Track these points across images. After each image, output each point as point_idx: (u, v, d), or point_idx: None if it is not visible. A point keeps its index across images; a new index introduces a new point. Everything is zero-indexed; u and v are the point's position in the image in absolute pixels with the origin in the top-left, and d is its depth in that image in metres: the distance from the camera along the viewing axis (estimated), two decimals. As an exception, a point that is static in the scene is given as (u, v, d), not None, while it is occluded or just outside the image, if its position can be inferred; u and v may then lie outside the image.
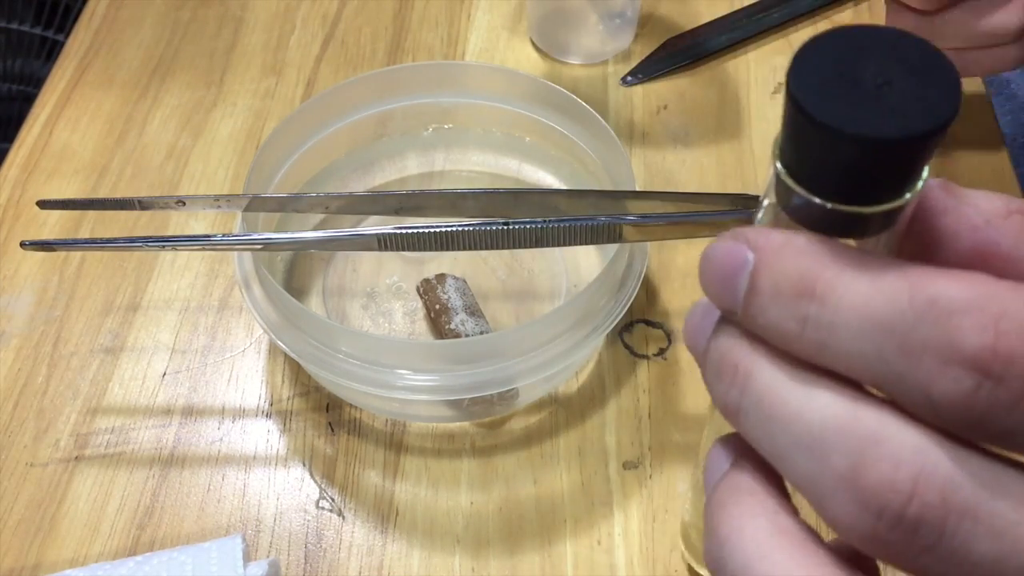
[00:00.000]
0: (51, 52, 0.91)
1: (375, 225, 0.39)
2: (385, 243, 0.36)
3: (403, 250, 0.37)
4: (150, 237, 0.42)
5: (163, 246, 0.40)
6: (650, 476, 0.43)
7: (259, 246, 0.39)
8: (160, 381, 0.46)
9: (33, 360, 0.47)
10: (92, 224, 0.53)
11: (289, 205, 0.42)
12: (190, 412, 0.45)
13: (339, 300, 0.48)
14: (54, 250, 0.41)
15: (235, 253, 0.44)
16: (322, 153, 0.50)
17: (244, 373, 0.47)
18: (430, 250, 0.37)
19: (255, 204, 0.42)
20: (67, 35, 0.64)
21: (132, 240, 0.39)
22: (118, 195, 0.54)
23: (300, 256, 0.50)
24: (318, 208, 0.42)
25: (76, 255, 0.51)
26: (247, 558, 0.38)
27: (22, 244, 0.39)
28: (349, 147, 0.51)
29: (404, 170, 0.54)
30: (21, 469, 0.43)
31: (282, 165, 0.47)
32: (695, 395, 0.45)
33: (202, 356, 0.47)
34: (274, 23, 0.64)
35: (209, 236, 0.41)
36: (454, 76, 0.50)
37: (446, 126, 0.53)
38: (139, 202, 0.41)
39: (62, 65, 0.61)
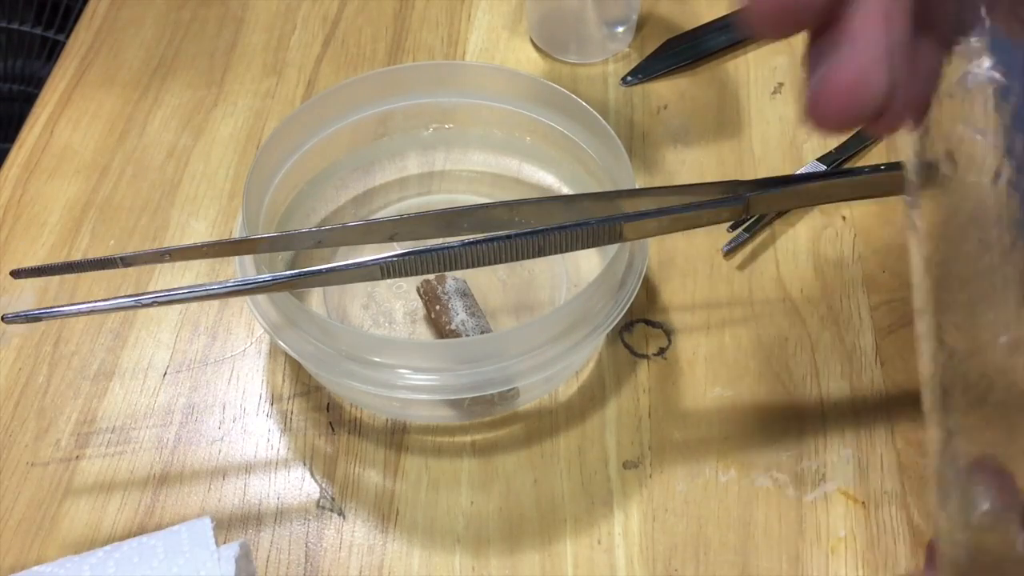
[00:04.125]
0: (52, 52, 0.91)
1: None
2: (388, 271, 0.36)
3: (407, 275, 0.37)
4: (147, 293, 0.38)
5: (155, 300, 0.36)
6: (650, 476, 0.43)
7: (261, 287, 0.38)
8: (161, 380, 0.47)
9: (34, 360, 0.47)
10: (91, 227, 0.53)
11: (280, 244, 0.41)
12: (191, 412, 0.45)
13: (339, 300, 0.48)
14: (39, 320, 0.39)
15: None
16: (322, 153, 0.50)
17: (245, 373, 0.47)
18: (434, 272, 0.37)
19: (244, 247, 0.40)
20: (68, 35, 0.64)
21: (139, 296, 0.36)
22: (119, 195, 0.54)
23: (301, 255, 0.50)
24: (310, 243, 0.41)
25: (77, 255, 0.51)
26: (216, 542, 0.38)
27: (4, 318, 0.37)
28: (349, 147, 0.51)
29: (404, 170, 0.54)
30: (22, 468, 0.44)
31: (283, 165, 0.48)
32: (695, 395, 0.46)
33: (203, 356, 0.47)
34: (275, 23, 0.64)
35: (218, 283, 0.39)
36: (454, 76, 0.50)
37: (446, 126, 0.53)
38: (121, 259, 0.38)
39: (63, 65, 0.61)
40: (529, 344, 0.41)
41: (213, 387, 0.46)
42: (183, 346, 0.48)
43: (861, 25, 0.21)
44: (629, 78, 0.60)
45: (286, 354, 0.43)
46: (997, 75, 0.21)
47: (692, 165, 0.55)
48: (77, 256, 0.51)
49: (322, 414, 0.45)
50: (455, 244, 0.36)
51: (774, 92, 0.59)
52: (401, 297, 0.49)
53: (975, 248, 0.22)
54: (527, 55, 0.61)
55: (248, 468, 0.44)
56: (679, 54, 0.61)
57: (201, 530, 0.38)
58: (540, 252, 0.36)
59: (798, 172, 0.54)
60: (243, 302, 0.48)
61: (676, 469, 0.43)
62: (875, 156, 0.55)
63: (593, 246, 0.37)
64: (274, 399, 0.46)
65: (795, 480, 0.43)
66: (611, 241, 0.37)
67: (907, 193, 0.24)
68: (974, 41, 0.21)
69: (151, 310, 0.49)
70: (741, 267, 0.50)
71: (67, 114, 0.58)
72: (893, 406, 0.45)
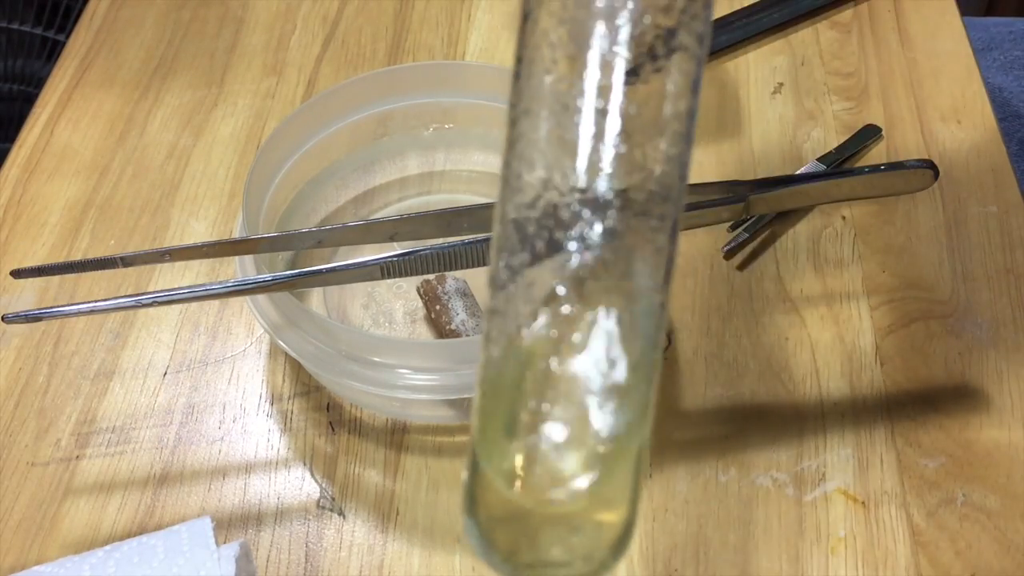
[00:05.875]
0: (52, 52, 0.92)
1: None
2: (388, 271, 0.36)
3: (407, 275, 0.37)
4: (147, 293, 0.39)
5: (155, 300, 0.37)
6: (650, 476, 0.43)
7: (261, 287, 0.38)
8: (161, 380, 0.47)
9: (34, 360, 0.47)
10: (91, 227, 0.53)
11: (280, 244, 0.41)
12: (191, 411, 0.46)
13: (339, 300, 0.48)
14: (39, 320, 0.39)
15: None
16: (323, 153, 0.50)
17: (245, 373, 0.47)
18: (434, 272, 0.37)
19: (244, 247, 0.41)
20: (68, 35, 0.64)
21: (139, 296, 0.36)
22: (119, 195, 0.54)
23: (301, 255, 0.50)
24: (310, 243, 0.41)
25: (77, 255, 0.51)
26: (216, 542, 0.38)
27: (4, 318, 0.38)
28: (349, 147, 0.51)
29: (404, 170, 0.54)
30: (22, 468, 0.44)
31: (283, 165, 0.48)
32: (695, 395, 0.46)
33: (203, 356, 0.47)
34: (275, 23, 0.64)
35: (218, 283, 0.39)
36: (454, 76, 0.50)
37: (446, 126, 0.53)
38: (122, 260, 0.39)
39: (63, 65, 0.61)
40: (529, 344, 0.40)
41: (213, 387, 0.46)
42: (183, 346, 0.48)
43: None
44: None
45: (286, 354, 0.43)
46: None
47: (692, 165, 0.55)
48: (77, 256, 0.51)
49: (322, 414, 0.45)
50: (455, 244, 0.36)
51: (774, 92, 0.59)
52: (401, 297, 0.49)
53: None
54: (527, 55, 0.61)
55: (248, 468, 0.44)
56: (679, 54, 0.61)
57: (201, 530, 0.38)
58: (540, 252, 0.36)
59: (798, 172, 0.54)
60: (243, 302, 0.48)
61: (676, 469, 0.43)
62: (875, 156, 0.55)
63: (593, 246, 0.37)
64: (274, 399, 0.46)
65: (795, 480, 0.43)
66: (611, 241, 0.37)
67: None
68: None
69: (151, 310, 0.49)
70: (741, 267, 0.50)
71: (67, 114, 0.58)
72: (893, 406, 0.45)
